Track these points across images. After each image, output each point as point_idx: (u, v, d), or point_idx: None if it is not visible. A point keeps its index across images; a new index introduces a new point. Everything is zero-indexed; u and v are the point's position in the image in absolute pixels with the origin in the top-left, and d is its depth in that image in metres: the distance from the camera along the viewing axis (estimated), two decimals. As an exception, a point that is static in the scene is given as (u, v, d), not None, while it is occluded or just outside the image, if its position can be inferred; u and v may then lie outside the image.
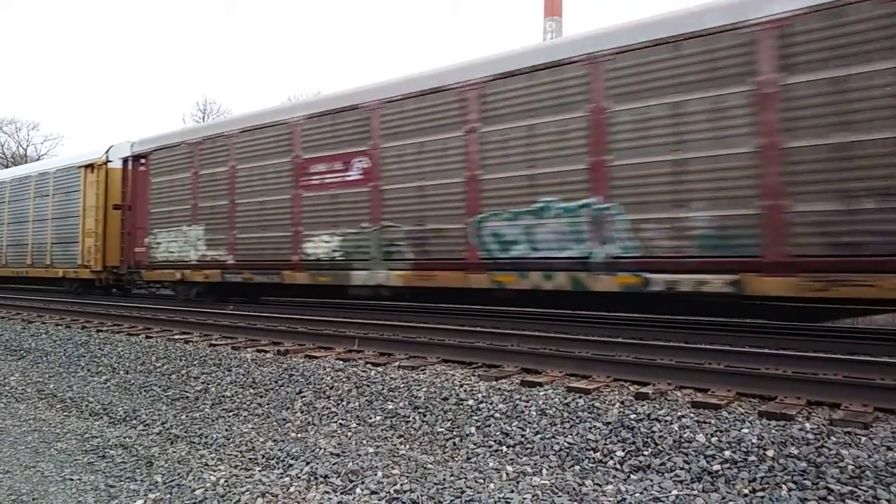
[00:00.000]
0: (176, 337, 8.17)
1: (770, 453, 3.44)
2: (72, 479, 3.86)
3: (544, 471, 3.61)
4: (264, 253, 11.35)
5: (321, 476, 3.64)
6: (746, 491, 3.19)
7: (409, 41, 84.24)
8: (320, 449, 4.04)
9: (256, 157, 11.62)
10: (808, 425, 3.77)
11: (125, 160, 14.46)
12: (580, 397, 4.56)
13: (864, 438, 3.57)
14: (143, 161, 14.00)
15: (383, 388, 5.12)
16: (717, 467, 3.40)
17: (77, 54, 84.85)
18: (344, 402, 5.02)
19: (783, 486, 3.16)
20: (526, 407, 4.42)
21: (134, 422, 5.09)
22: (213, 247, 12.30)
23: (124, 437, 4.65)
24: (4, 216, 18.88)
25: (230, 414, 5.14)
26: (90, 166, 15.53)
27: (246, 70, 78.80)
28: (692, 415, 4.06)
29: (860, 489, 3.05)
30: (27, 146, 50.50)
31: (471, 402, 4.64)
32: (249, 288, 12.72)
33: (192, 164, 12.85)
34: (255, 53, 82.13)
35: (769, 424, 3.83)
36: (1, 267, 18.84)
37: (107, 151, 15.40)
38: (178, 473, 3.85)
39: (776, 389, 4.57)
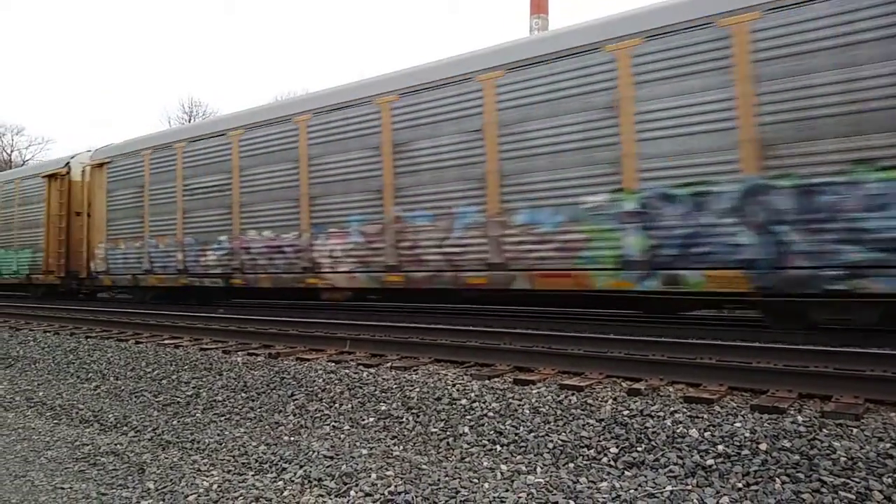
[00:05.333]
0: (166, 342, 8.11)
1: (763, 447, 3.45)
2: (63, 488, 3.82)
3: (538, 469, 3.60)
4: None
5: (315, 479, 3.62)
6: (740, 485, 3.20)
7: (408, 39, 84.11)
8: (313, 452, 4.02)
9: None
10: (800, 418, 3.79)
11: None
12: (573, 395, 4.56)
13: (855, 430, 3.59)
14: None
15: (376, 390, 5.11)
16: (710, 462, 3.41)
17: (61, 57, 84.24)
18: (336, 405, 5.00)
19: (776, 479, 3.17)
20: (519, 405, 4.42)
21: (125, 428, 5.04)
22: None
23: (115, 444, 4.61)
24: None
25: (222, 418, 5.11)
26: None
27: (236, 69, 78.52)
28: (685, 410, 4.07)
29: (852, 481, 3.07)
30: (11, 151, 50.06)
31: (464, 401, 4.64)
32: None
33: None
34: (246, 52, 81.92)
35: (761, 418, 3.84)
36: None
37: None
38: (171, 480, 3.82)
39: (768, 383, 4.59)
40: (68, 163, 15.84)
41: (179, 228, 12.59)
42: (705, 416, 3.94)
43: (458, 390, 4.87)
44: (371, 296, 10.83)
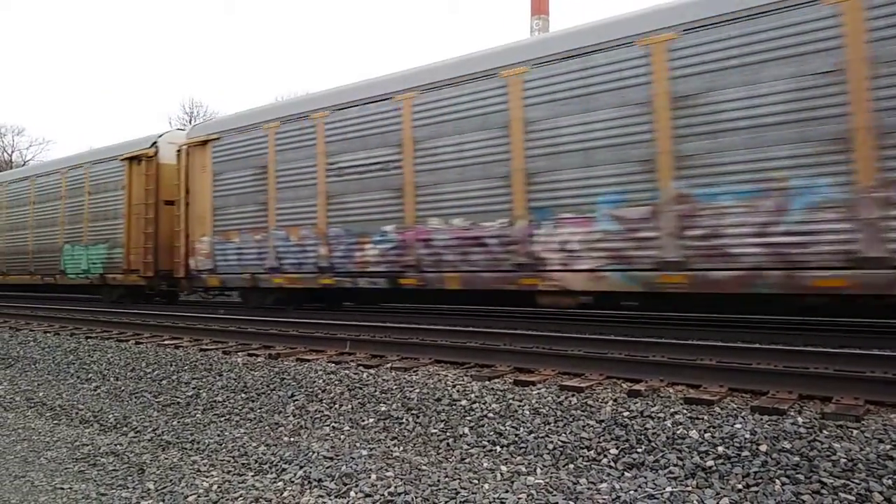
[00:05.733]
0: (166, 342, 8.11)
1: (763, 448, 3.45)
2: (62, 489, 3.82)
3: (539, 470, 3.60)
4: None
5: (315, 480, 3.62)
6: (740, 486, 3.19)
7: (408, 39, 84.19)
8: (313, 452, 4.01)
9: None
10: (800, 419, 3.78)
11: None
12: (573, 396, 4.56)
13: (855, 431, 3.59)
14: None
15: (376, 390, 5.10)
16: (710, 463, 3.41)
17: (62, 58, 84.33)
18: (336, 405, 5.00)
19: (776, 480, 3.17)
20: (519, 406, 4.42)
21: (125, 429, 5.04)
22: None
23: (115, 445, 4.61)
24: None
25: (222, 419, 5.11)
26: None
27: (236, 70, 78.57)
28: (685, 411, 4.07)
29: (853, 482, 3.07)
30: (12, 152, 50.07)
31: (464, 402, 4.63)
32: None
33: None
34: (246, 53, 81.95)
35: (762, 419, 3.84)
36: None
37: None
38: (171, 480, 3.82)
39: (768, 384, 4.59)
40: (155, 142, 13.49)
41: (321, 217, 10.24)
42: (705, 417, 3.94)
43: (458, 391, 4.87)
44: (628, 302, 8.36)
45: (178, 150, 12.80)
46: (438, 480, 3.47)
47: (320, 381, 5.50)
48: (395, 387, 5.12)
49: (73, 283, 15.42)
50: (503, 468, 3.64)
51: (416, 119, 9.22)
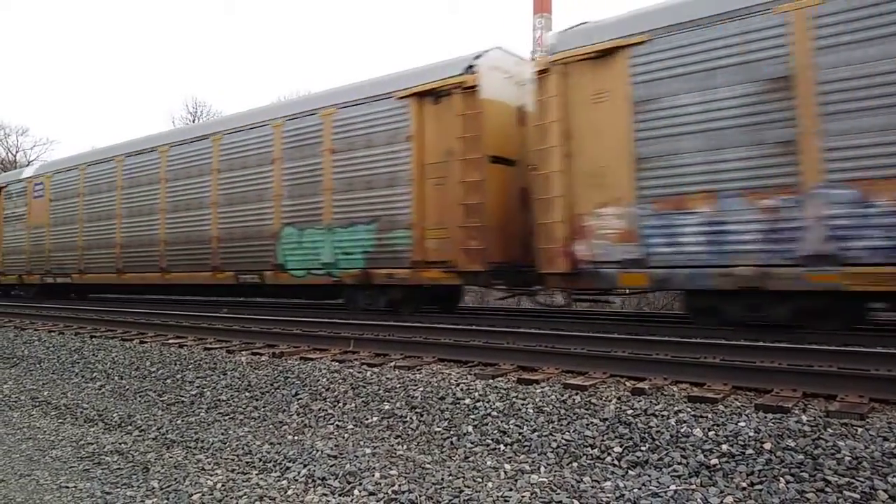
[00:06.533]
0: (170, 341, 8.13)
1: (767, 446, 3.44)
2: (67, 487, 3.83)
3: (542, 468, 3.60)
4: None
5: (319, 478, 3.63)
6: (744, 484, 3.19)
7: (408, 39, 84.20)
8: (317, 451, 4.02)
9: None
10: (804, 417, 3.77)
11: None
12: (577, 394, 4.56)
13: (860, 429, 3.57)
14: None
15: (380, 389, 5.11)
16: (714, 461, 3.40)
17: (64, 58, 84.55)
18: (340, 404, 5.01)
19: (781, 478, 3.17)
20: (523, 405, 4.42)
21: (129, 427, 5.06)
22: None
23: (120, 444, 4.62)
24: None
25: (226, 418, 5.12)
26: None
27: (237, 69, 78.72)
28: (689, 409, 4.06)
29: (857, 480, 3.06)
30: (16, 152, 50.16)
31: (468, 400, 4.64)
32: None
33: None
34: (247, 53, 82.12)
35: (766, 417, 3.83)
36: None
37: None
38: (175, 479, 3.84)
39: (772, 382, 4.57)
40: (472, 65, 9.05)
41: None
42: (709, 415, 3.93)
43: (461, 390, 4.87)
44: None
45: (542, 72, 8.35)
46: (442, 479, 3.48)
47: (324, 379, 5.51)
48: (398, 385, 5.12)
49: (300, 284, 11.03)
50: (507, 466, 3.64)
51: None
